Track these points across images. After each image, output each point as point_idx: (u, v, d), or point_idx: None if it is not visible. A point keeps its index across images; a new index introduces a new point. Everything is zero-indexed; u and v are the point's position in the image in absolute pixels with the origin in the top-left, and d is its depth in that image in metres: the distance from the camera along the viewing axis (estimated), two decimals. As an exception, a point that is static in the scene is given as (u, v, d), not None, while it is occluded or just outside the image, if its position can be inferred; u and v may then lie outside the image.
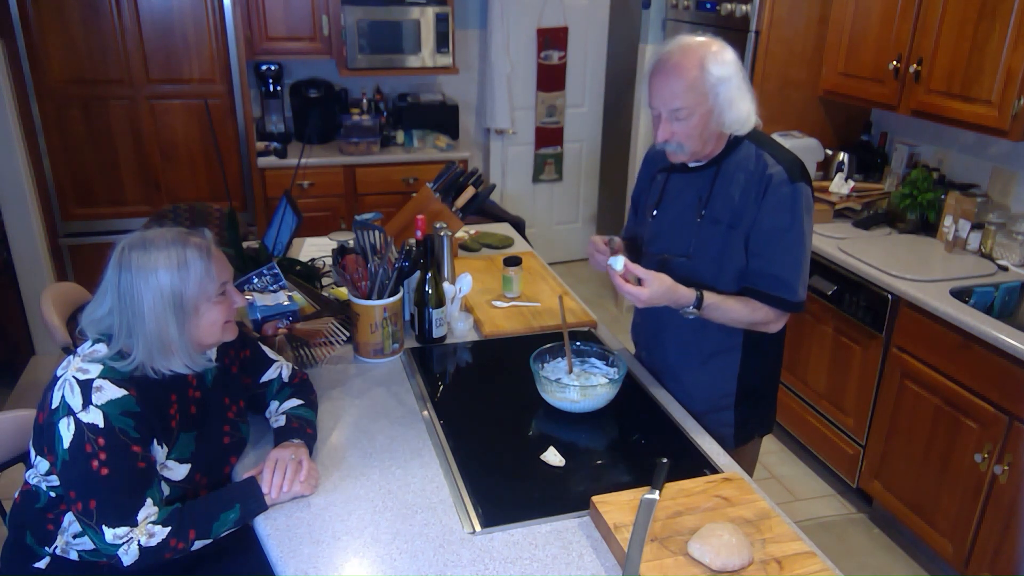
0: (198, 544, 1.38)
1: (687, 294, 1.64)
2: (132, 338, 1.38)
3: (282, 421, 1.61)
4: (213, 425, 1.53)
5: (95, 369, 1.35)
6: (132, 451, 1.34)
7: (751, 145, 1.68)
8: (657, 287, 1.61)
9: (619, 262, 1.63)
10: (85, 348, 1.41)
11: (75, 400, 1.32)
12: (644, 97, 1.69)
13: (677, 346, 1.85)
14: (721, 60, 1.58)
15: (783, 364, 3.16)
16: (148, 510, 1.35)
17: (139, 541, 1.33)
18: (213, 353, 1.56)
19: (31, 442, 1.44)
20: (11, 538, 1.50)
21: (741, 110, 1.62)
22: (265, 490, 1.43)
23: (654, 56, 1.65)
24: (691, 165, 1.75)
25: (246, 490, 1.43)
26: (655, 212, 1.84)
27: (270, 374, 1.70)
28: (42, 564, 1.46)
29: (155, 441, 1.40)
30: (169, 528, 1.35)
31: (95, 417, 1.32)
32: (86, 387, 1.33)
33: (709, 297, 1.65)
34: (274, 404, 1.68)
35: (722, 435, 1.79)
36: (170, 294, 1.37)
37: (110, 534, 1.32)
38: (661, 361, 1.91)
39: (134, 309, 1.37)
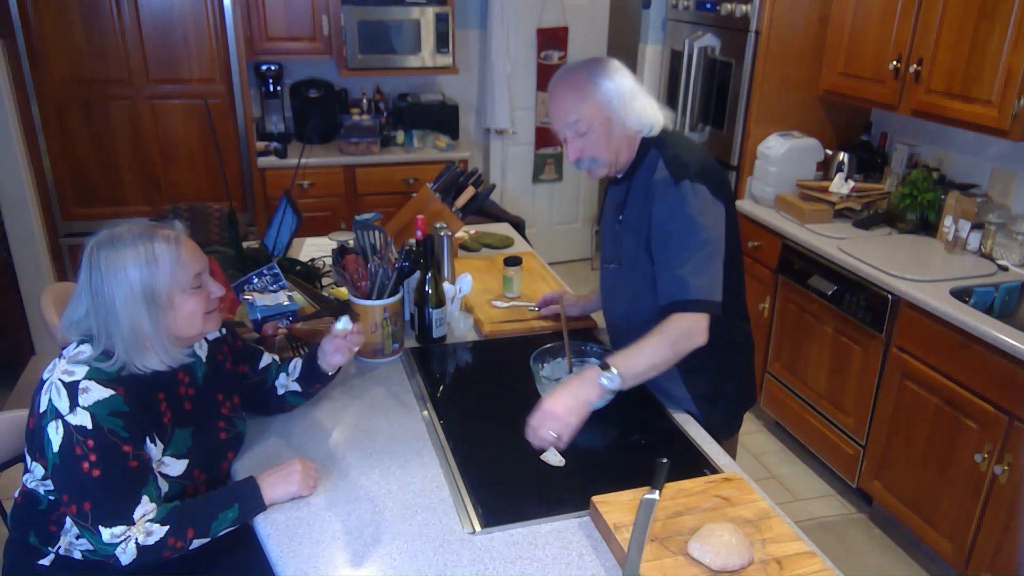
0: (196, 543, 1.38)
1: (588, 373, 1.52)
2: (111, 338, 1.37)
3: (299, 366, 1.68)
4: (208, 421, 1.53)
5: (80, 371, 1.34)
6: (122, 450, 1.33)
7: (655, 152, 1.67)
8: (555, 399, 1.49)
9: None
10: (70, 350, 1.39)
11: (62, 403, 1.32)
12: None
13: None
14: (605, 71, 1.61)
15: (783, 364, 3.17)
16: (145, 508, 1.34)
17: (137, 540, 1.33)
18: (204, 349, 1.57)
19: (24, 448, 1.44)
20: (13, 537, 1.50)
21: (643, 110, 1.63)
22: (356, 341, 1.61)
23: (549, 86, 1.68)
24: (617, 176, 1.77)
25: (245, 490, 1.42)
26: (597, 228, 1.87)
27: (266, 360, 1.71)
28: (46, 561, 1.46)
29: (147, 439, 1.39)
30: (168, 527, 1.35)
31: (83, 419, 1.31)
32: (72, 389, 1.32)
33: (611, 358, 1.54)
34: (282, 376, 1.70)
35: None
36: (141, 289, 1.35)
37: (107, 534, 1.32)
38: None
39: (107, 308, 1.35)
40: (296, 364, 1.70)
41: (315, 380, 1.69)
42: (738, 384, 1.88)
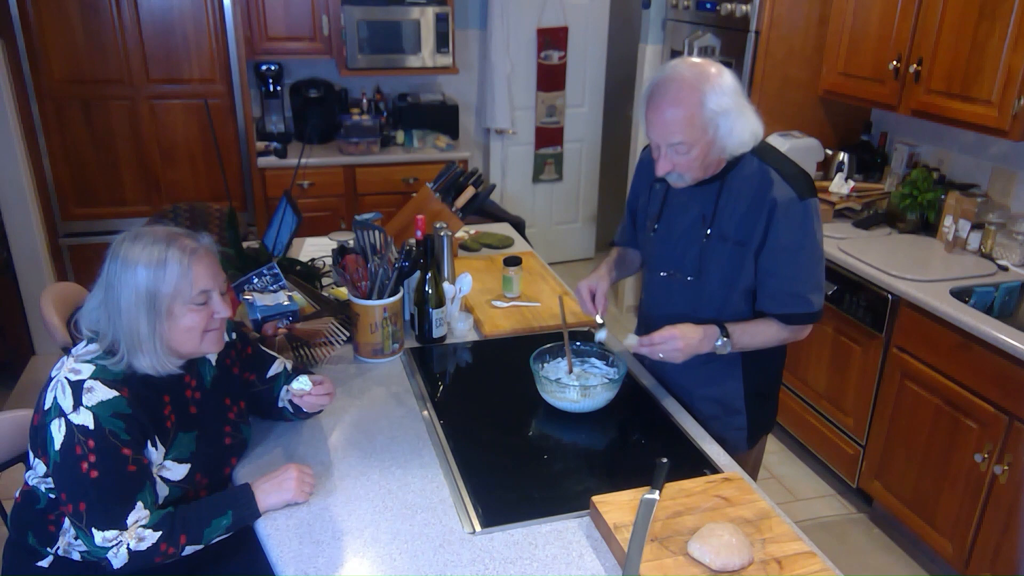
0: (189, 549, 1.38)
1: (711, 329, 1.63)
2: (116, 333, 1.37)
3: (289, 392, 1.62)
4: (214, 426, 1.53)
5: (87, 370, 1.35)
6: (122, 454, 1.33)
7: (754, 159, 1.63)
8: (685, 329, 1.61)
9: (632, 339, 1.66)
10: (79, 348, 1.40)
11: (66, 401, 1.32)
12: (643, 111, 1.63)
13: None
14: (720, 90, 1.51)
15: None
16: (138, 514, 1.34)
17: (129, 545, 1.33)
18: (213, 357, 1.57)
19: (28, 444, 1.44)
20: (12, 538, 1.50)
21: (743, 135, 1.56)
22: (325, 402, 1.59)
23: (650, 85, 1.57)
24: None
25: (239, 497, 1.42)
26: (656, 226, 1.78)
27: (275, 368, 1.69)
28: (45, 563, 1.46)
29: (148, 443, 1.39)
30: (160, 533, 1.34)
31: (85, 419, 1.31)
32: (77, 388, 1.33)
33: (731, 326, 1.65)
34: (283, 391, 1.67)
35: (735, 438, 1.79)
36: (144, 291, 1.36)
37: (99, 537, 1.32)
38: (666, 371, 1.88)
39: (115, 302, 1.36)
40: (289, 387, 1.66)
41: (300, 412, 1.66)
42: (777, 389, 1.94)
